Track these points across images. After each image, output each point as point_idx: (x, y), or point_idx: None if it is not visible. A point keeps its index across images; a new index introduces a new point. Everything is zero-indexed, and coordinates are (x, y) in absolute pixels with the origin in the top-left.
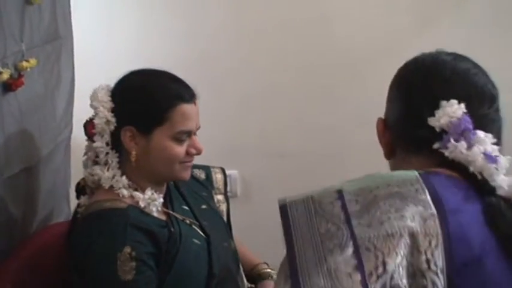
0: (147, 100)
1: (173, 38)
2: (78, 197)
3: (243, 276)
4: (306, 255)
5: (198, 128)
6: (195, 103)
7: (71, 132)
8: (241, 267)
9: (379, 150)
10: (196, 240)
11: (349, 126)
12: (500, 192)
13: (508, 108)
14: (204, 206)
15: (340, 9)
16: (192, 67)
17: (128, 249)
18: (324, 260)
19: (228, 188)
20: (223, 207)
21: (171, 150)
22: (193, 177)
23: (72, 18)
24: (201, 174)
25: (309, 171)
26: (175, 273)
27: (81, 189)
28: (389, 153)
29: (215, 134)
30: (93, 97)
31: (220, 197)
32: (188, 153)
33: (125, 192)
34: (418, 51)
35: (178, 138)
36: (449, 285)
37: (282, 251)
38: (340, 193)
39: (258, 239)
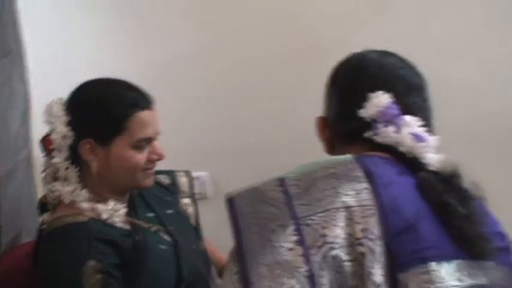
0: (103, 111)
1: (132, 47)
2: (41, 214)
3: (215, 277)
4: (251, 240)
5: (158, 134)
6: (152, 109)
7: (30, 150)
8: (213, 268)
9: None
10: (162, 246)
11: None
12: (430, 168)
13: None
14: (169, 211)
15: (302, 4)
16: (153, 73)
17: (92, 263)
18: (267, 241)
19: (198, 190)
20: (190, 209)
21: (131, 159)
22: (157, 183)
23: (25, 33)
24: (166, 180)
25: (280, 168)
26: (142, 281)
27: (43, 206)
28: (330, 148)
29: (184, 136)
30: (48, 112)
31: (187, 200)
32: (150, 160)
33: (86, 205)
34: (378, 42)
35: (138, 146)
36: (388, 252)
37: None
38: (281, 181)
39: (231, 240)
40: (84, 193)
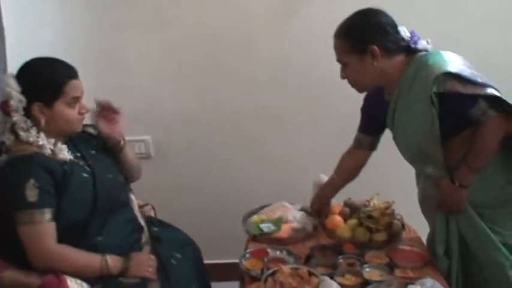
0: (47, 82)
1: (87, 33)
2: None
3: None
4: None
5: (83, 93)
6: (78, 78)
7: None
8: (133, 198)
9: (264, 115)
10: (84, 174)
11: (240, 95)
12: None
13: None
14: (93, 152)
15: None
16: (107, 52)
17: (32, 181)
18: None
19: (144, 151)
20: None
21: (69, 114)
22: (87, 132)
23: (5, 21)
24: (93, 130)
25: (211, 134)
26: (67, 197)
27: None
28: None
29: (131, 106)
30: (5, 84)
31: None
32: (80, 113)
33: (40, 143)
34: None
35: (71, 104)
36: None
37: (189, 201)
38: None
39: (170, 194)
40: (43, 136)
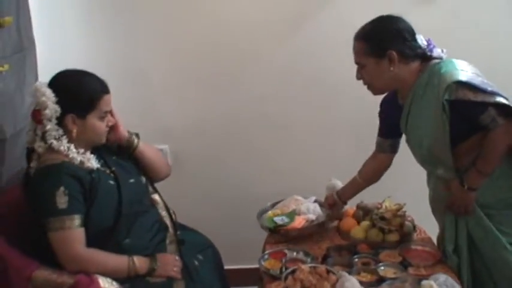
0: (83, 95)
1: (110, 47)
2: (28, 162)
3: (160, 204)
4: None
5: (111, 108)
6: (109, 92)
7: None
8: (158, 199)
9: (274, 125)
10: (110, 182)
11: (251, 106)
12: None
13: None
14: (114, 157)
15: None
16: (128, 68)
17: (62, 188)
18: None
19: None
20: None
21: (100, 127)
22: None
23: (36, 35)
24: None
25: (223, 143)
26: (96, 205)
27: (30, 155)
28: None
29: (151, 117)
30: (40, 94)
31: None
32: (107, 126)
33: (70, 155)
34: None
35: (102, 117)
36: None
37: (205, 207)
38: None
39: (187, 199)
40: (72, 148)
